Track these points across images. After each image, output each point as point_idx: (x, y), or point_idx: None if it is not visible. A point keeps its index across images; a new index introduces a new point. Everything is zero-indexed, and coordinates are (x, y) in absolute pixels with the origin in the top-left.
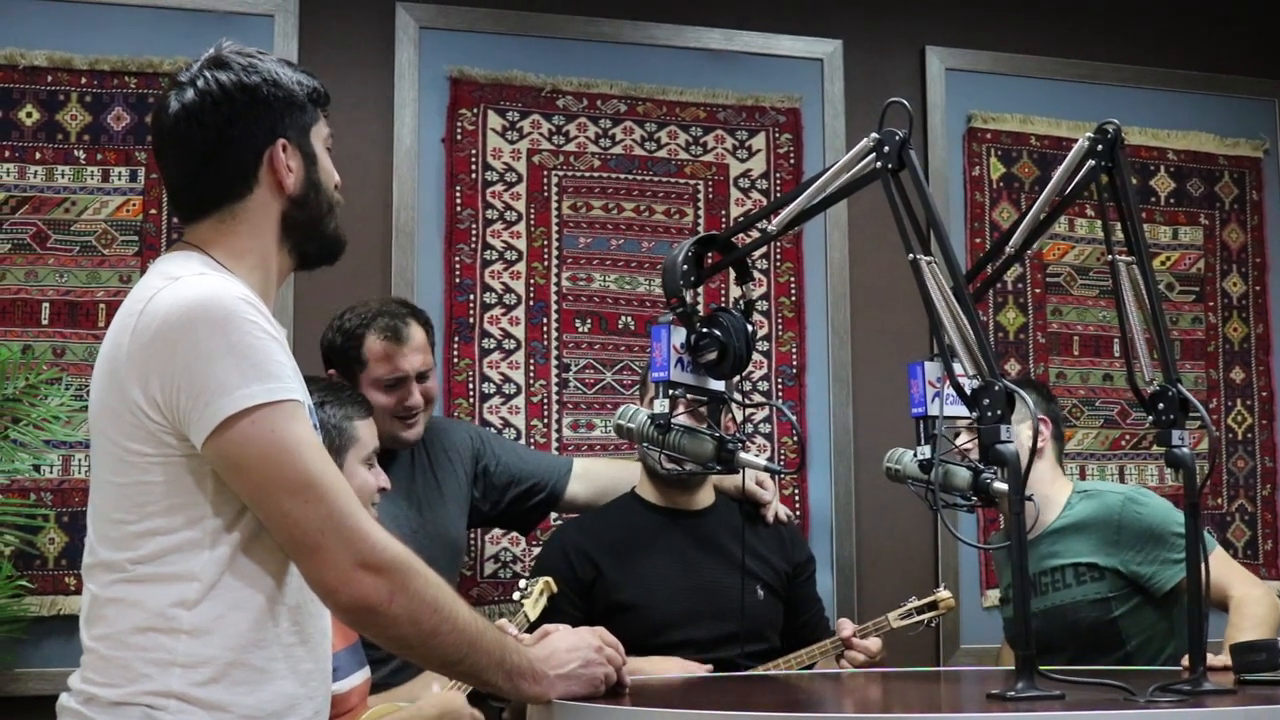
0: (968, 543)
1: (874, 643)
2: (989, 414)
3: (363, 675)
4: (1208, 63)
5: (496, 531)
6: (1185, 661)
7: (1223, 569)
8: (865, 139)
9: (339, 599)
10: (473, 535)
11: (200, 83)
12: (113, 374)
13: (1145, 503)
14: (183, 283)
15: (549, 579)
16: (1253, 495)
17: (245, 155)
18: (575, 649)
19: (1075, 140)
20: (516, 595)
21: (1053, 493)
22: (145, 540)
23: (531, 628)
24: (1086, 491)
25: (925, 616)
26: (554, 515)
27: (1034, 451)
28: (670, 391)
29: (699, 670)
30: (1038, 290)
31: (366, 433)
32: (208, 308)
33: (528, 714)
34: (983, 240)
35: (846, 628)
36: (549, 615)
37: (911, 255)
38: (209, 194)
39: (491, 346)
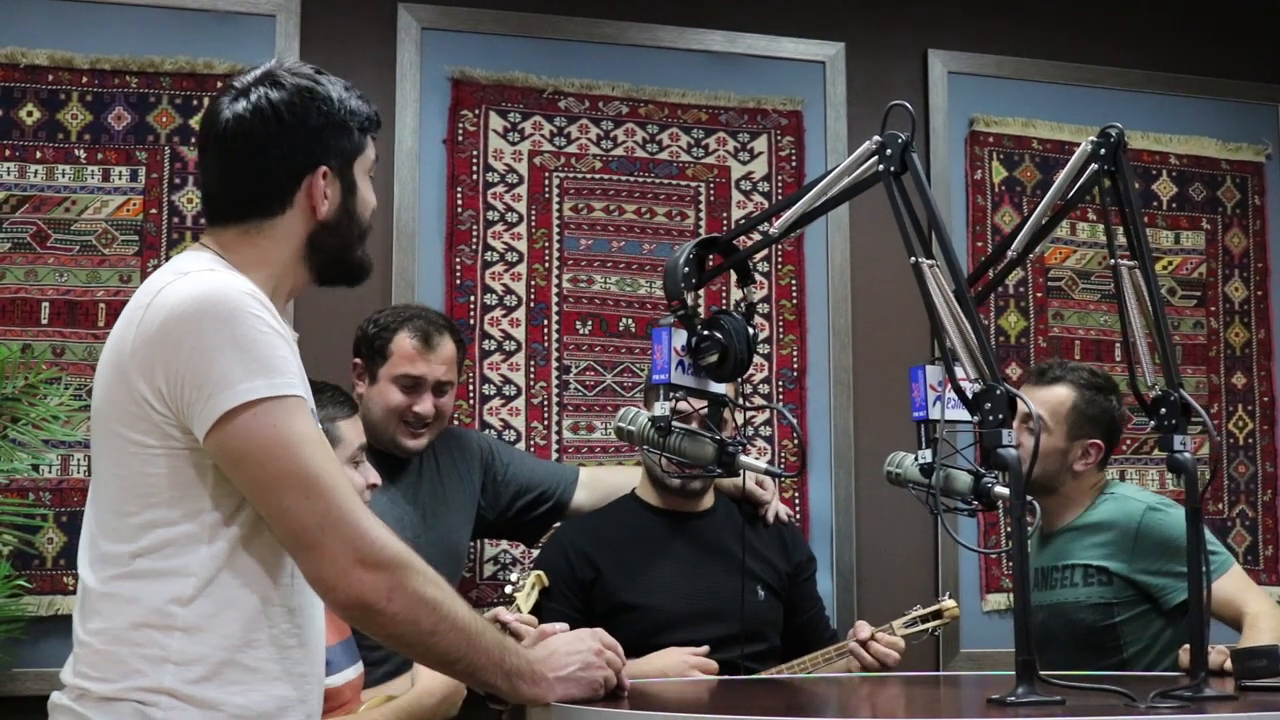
0: (968, 547)
1: (899, 641)
2: (990, 418)
3: (356, 670)
4: (1210, 67)
5: None
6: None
7: (1240, 586)
8: (868, 142)
9: (337, 596)
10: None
11: (253, 95)
12: (118, 366)
13: (1167, 513)
14: (191, 277)
15: (540, 572)
16: (1254, 501)
17: (284, 177)
18: (575, 651)
19: (1077, 144)
20: (508, 589)
21: (1077, 492)
22: (146, 532)
23: None
24: (1113, 494)
25: (930, 625)
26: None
27: (1035, 456)
28: (672, 394)
29: (698, 659)
30: (1039, 294)
31: (350, 432)
32: (214, 301)
33: (527, 716)
34: (984, 244)
35: (864, 630)
36: (544, 611)
37: (913, 259)
38: (241, 205)
39: (492, 348)
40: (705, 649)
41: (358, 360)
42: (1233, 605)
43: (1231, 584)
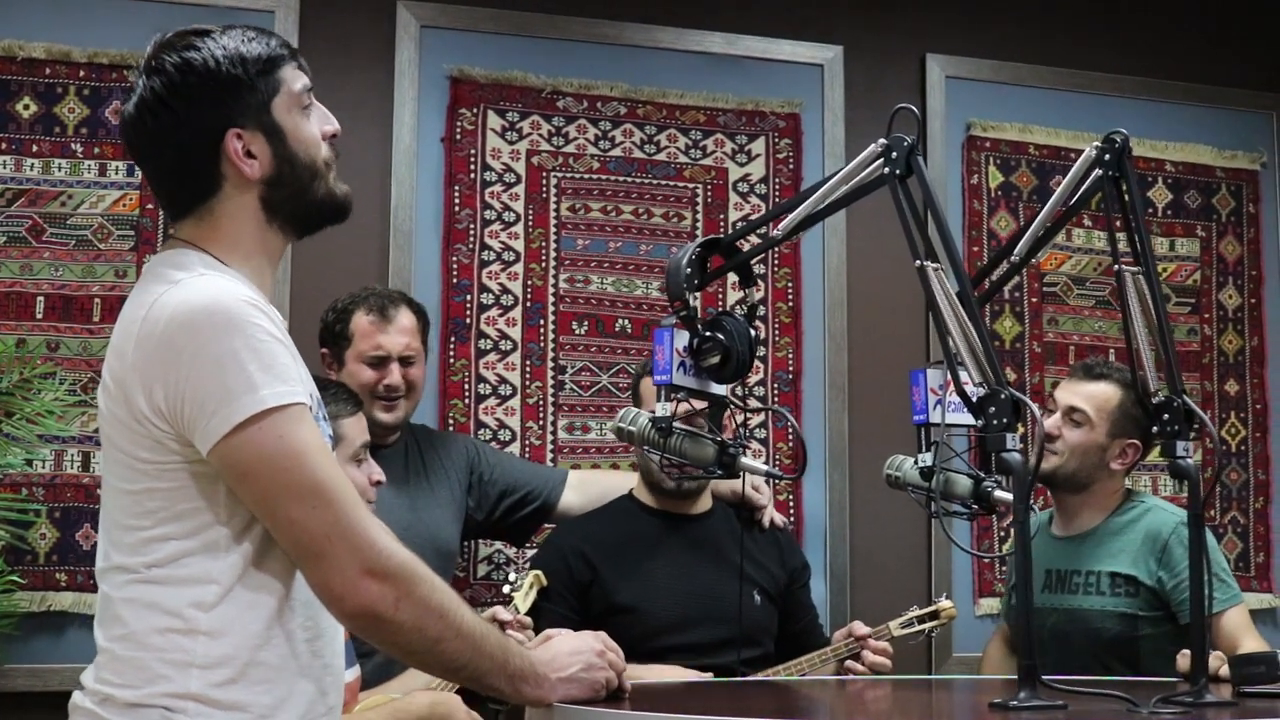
0: (969, 551)
1: (888, 648)
2: (994, 422)
3: (353, 673)
4: (1207, 75)
5: None
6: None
7: (1241, 624)
8: (872, 144)
9: (345, 606)
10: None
11: (138, 91)
12: (118, 383)
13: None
14: (184, 286)
15: (539, 572)
16: (1245, 508)
17: (199, 156)
18: (577, 652)
19: (1074, 150)
20: (506, 589)
21: (1104, 494)
22: (159, 545)
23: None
24: (1144, 502)
25: (927, 626)
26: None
27: (1038, 463)
28: (672, 395)
29: (700, 679)
30: (1034, 299)
31: (353, 430)
32: (211, 312)
33: (527, 717)
34: (980, 249)
35: (860, 628)
36: (540, 612)
37: (918, 261)
38: (180, 196)
39: (488, 347)
40: (709, 675)
41: (324, 351)
42: (1229, 640)
43: (1235, 619)
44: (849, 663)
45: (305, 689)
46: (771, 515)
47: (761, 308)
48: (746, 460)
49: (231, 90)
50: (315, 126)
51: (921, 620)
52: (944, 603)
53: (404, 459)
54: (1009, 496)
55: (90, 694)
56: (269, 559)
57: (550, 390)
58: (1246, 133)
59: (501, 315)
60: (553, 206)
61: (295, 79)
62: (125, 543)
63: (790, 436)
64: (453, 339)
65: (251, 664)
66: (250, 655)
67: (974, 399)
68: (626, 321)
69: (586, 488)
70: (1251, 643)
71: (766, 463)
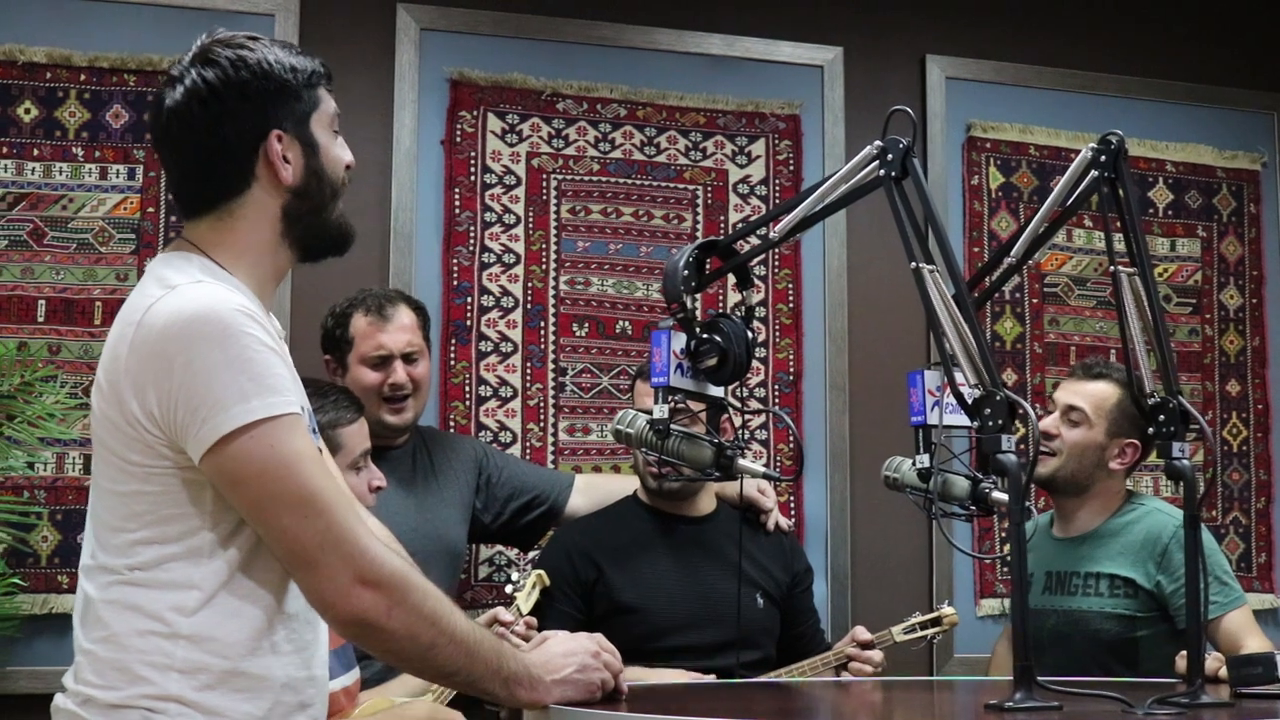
0: (967, 552)
1: (877, 654)
2: (990, 423)
3: (352, 676)
4: (1207, 76)
5: None
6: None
7: (1244, 625)
8: (868, 146)
9: (337, 614)
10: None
11: (188, 81)
12: (112, 385)
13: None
14: (180, 292)
15: (541, 572)
16: (1247, 508)
17: (238, 152)
18: (572, 654)
19: (1074, 150)
20: (509, 589)
21: (1104, 495)
22: (143, 548)
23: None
24: (1143, 504)
25: (929, 632)
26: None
27: (1033, 463)
28: (670, 397)
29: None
30: (1035, 300)
31: (353, 437)
32: (206, 320)
33: (524, 718)
34: (981, 249)
35: (863, 634)
36: (545, 611)
37: (914, 263)
38: (206, 192)
39: (489, 349)
40: (711, 678)
41: (328, 357)
42: (1232, 642)
43: (1238, 620)
44: (851, 665)
45: (287, 700)
46: (777, 518)
47: (762, 309)
48: (744, 462)
49: (281, 93)
50: (342, 151)
51: (924, 626)
52: (946, 609)
53: (412, 460)
54: (1007, 498)
55: (72, 695)
56: (256, 568)
57: (551, 392)
58: (1247, 133)
59: (502, 317)
60: (553, 208)
61: (330, 103)
62: (111, 544)
63: (790, 438)
64: (453, 341)
65: (233, 672)
66: (233, 663)
67: (969, 400)
68: (627, 323)
69: (593, 491)
70: (1255, 644)
71: (767, 464)
